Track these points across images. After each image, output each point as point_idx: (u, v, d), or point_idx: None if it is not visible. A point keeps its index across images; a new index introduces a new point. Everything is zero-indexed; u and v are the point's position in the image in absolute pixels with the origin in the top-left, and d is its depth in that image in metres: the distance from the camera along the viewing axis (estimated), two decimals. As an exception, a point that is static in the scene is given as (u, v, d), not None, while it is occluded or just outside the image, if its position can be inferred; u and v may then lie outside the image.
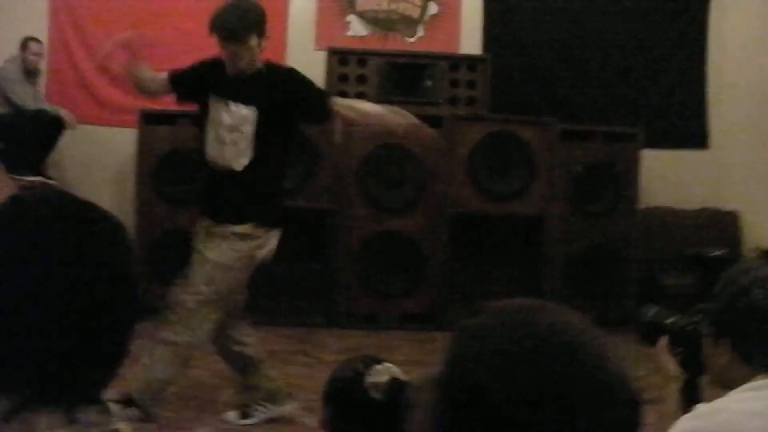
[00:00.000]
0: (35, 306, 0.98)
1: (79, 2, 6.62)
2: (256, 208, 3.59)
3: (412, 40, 6.88)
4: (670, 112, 7.01)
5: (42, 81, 6.50)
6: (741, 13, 6.92)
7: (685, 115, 7.03)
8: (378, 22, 6.89)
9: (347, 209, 5.95)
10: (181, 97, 3.79)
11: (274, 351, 4.94)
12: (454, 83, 6.31)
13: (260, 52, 3.58)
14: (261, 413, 3.80)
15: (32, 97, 6.27)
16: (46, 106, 6.29)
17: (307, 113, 3.73)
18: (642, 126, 6.42)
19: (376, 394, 1.69)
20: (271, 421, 3.81)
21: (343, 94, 5.94)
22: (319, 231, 5.90)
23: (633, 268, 6.23)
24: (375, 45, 6.70)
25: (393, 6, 6.90)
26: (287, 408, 3.85)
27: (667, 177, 6.81)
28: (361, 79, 6.25)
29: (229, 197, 3.58)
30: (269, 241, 3.64)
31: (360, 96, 6.04)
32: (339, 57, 6.30)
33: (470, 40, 6.85)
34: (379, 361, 1.76)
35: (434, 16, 6.90)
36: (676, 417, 1.70)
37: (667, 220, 6.72)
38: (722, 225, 6.77)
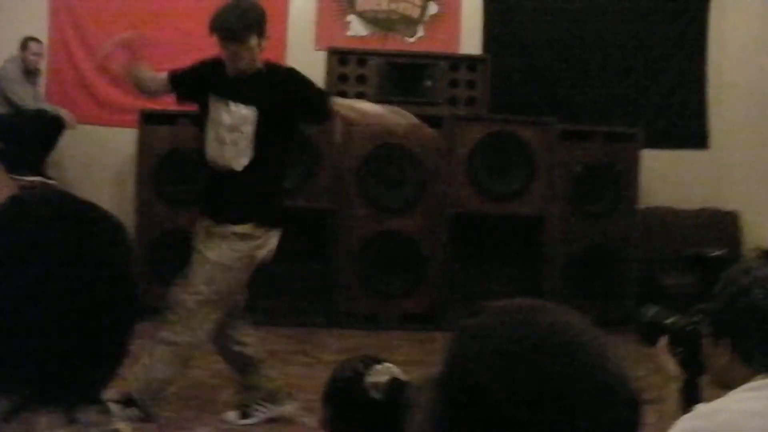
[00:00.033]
0: (34, 306, 0.98)
1: (79, 2, 6.62)
2: (256, 208, 3.59)
3: (412, 40, 6.88)
4: (670, 112, 7.01)
5: (42, 81, 6.50)
6: (741, 13, 6.92)
7: (685, 115, 7.02)
8: (378, 22, 6.89)
9: (347, 209, 5.95)
10: (181, 97, 3.79)
11: (274, 351, 4.94)
12: (453, 83, 6.31)
13: (260, 51, 3.58)
14: (261, 413, 3.80)
15: (32, 97, 6.27)
16: (46, 106, 6.29)
17: (307, 113, 3.73)
18: (642, 126, 6.42)
19: (375, 394, 1.69)
20: (271, 421, 3.81)
21: (343, 94, 5.94)
22: (319, 231, 5.90)
23: (633, 268, 6.23)
24: (375, 45, 6.70)
25: (393, 6, 6.90)
26: (287, 408, 3.85)
27: (667, 177, 6.81)
28: (361, 79, 6.25)
29: (229, 197, 3.58)
30: (269, 241, 3.64)
31: (360, 96, 6.04)
32: (339, 57, 6.30)
33: (470, 40, 6.85)
34: (378, 361, 1.75)
35: (434, 16, 6.90)
36: (676, 417, 1.70)
37: (667, 220, 6.72)
38: (722, 225, 6.77)
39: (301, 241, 5.67)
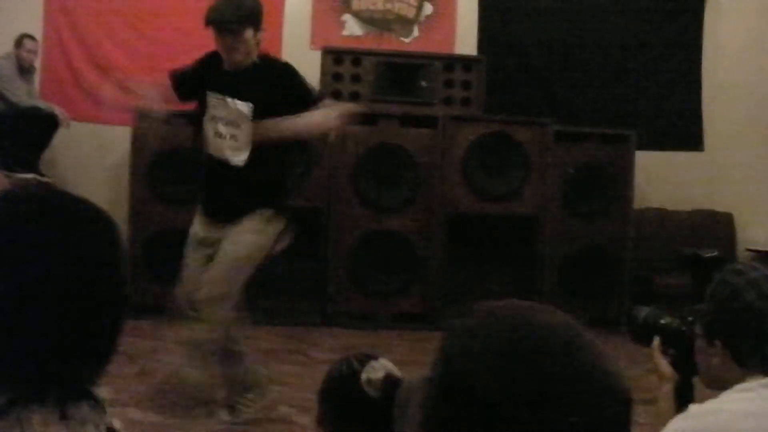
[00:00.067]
0: (24, 302, 0.98)
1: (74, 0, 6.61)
2: (258, 202, 3.59)
3: (407, 40, 6.89)
4: (666, 113, 7.02)
5: (36, 78, 6.48)
6: (736, 14, 6.93)
7: (680, 117, 7.04)
8: (373, 21, 6.89)
9: (343, 208, 5.94)
10: (182, 97, 3.77)
11: (269, 350, 4.94)
12: (449, 83, 6.31)
13: (256, 44, 3.58)
14: (247, 407, 3.78)
15: (27, 94, 6.25)
16: (41, 104, 6.28)
17: (294, 111, 3.70)
18: (637, 127, 6.43)
19: (371, 391, 1.69)
20: (267, 420, 3.80)
21: (338, 94, 5.95)
22: (314, 230, 5.90)
23: (627, 268, 6.24)
24: (370, 45, 6.70)
25: (388, 6, 6.90)
26: (272, 398, 3.84)
27: (661, 178, 6.83)
28: (356, 79, 6.25)
29: (230, 193, 3.58)
30: (284, 236, 3.65)
31: (354, 95, 6.04)
32: (334, 56, 6.29)
33: (465, 41, 6.85)
34: (375, 358, 1.75)
35: (429, 16, 6.90)
36: (669, 417, 1.70)
37: (662, 221, 6.73)
38: (716, 226, 6.80)
39: (296, 241, 5.65)
